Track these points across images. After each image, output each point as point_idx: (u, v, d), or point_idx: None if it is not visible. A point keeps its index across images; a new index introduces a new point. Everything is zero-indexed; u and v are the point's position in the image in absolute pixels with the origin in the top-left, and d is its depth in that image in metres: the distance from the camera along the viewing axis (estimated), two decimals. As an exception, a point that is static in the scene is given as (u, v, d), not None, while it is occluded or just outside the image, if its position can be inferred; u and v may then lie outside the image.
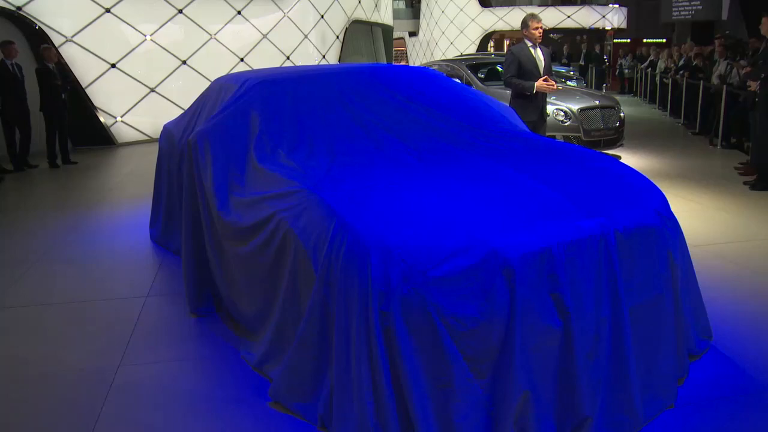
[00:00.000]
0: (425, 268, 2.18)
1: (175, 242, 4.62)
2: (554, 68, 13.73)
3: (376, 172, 2.92)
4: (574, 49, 22.94)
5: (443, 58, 21.35)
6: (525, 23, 5.71)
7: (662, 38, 24.46)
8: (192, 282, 3.55)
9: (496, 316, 2.17)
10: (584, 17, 24.42)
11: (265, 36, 13.33)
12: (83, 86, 10.75)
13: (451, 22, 25.58)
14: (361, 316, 2.20)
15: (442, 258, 2.20)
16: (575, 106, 8.12)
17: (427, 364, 2.19)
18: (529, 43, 5.69)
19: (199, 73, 12.19)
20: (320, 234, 2.43)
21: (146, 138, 11.60)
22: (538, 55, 5.71)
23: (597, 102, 8.31)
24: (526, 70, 5.64)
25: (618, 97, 12.31)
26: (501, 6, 25.25)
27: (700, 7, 18.37)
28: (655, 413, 2.49)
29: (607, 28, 24.69)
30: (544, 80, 5.54)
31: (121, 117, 11.36)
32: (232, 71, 9.49)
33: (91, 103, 10.90)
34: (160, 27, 11.76)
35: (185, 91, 11.71)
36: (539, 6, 26.00)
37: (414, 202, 2.52)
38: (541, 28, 5.65)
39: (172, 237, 4.73)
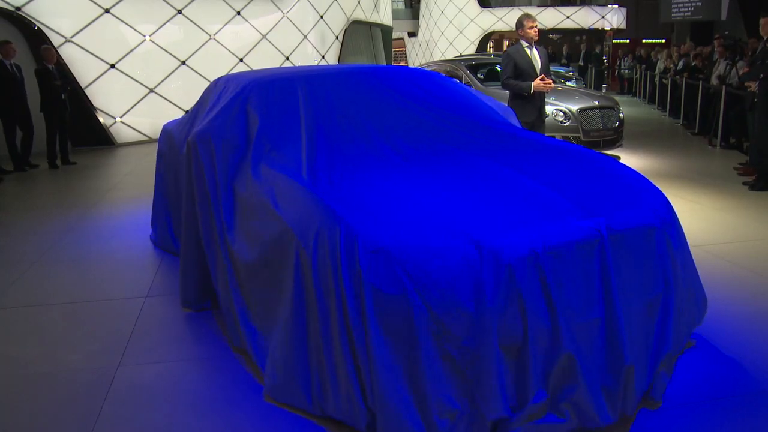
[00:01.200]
0: (416, 265, 2.20)
1: (177, 244, 4.63)
2: (553, 68, 13.76)
3: (373, 171, 2.93)
4: (573, 50, 22.96)
5: (442, 58, 21.36)
6: (520, 23, 5.67)
7: (661, 38, 24.48)
8: (191, 281, 3.55)
9: (487, 315, 2.19)
10: (583, 18, 24.43)
11: (264, 36, 13.33)
12: (82, 87, 10.75)
13: (451, 22, 25.59)
14: (339, 311, 2.26)
15: (433, 256, 2.21)
16: (574, 107, 8.12)
17: (405, 359, 2.22)
18: (525, 44, 5.67)
19: (198, 73, 12.19)
20: (311, 228, 2.45)
21: (145, 138, 11.60)
22: (535, 55, 5.69)
23: (596, 102, 8.32)
24: (522, 71, 5.63)
25: (617, 98, 12.32)
26: (500, 6, 25.27)
27: (700, 5, 18.37)
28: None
29: (606, 28, 24.71)
30: (540, 79, 5.54)
31: (121, 117, 11.36)
32: (232, 71, 9.49)
33: (91, 103, 10.90)
34: (160, 27, 11.76)
35: (184, 92, 11.73)
36: (538, 6, 26.02)
37: (410, 201, 2.53)
38: (536, 27, 5.62)
39: (172, 238, 4.73)
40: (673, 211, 2.82)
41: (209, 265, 3.40)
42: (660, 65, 15.60)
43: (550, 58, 5.94)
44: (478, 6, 25.07)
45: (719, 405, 2.57)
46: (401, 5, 30.19)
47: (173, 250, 4.68)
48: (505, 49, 25.88)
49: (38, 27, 10.18)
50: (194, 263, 3.51)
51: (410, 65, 25.66)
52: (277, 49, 13.57)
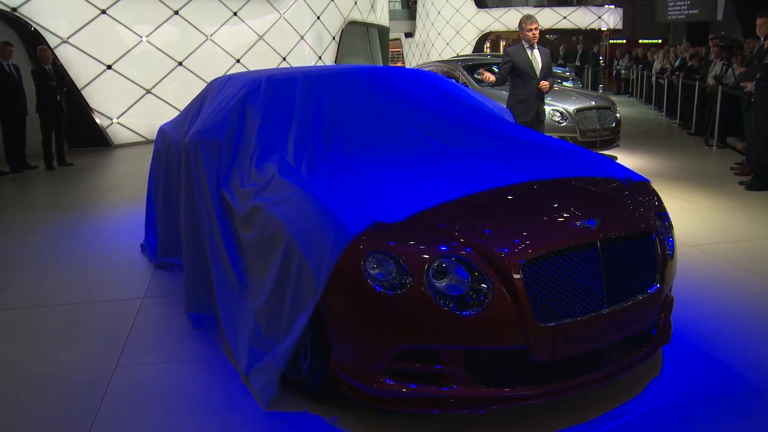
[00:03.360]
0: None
1: (150, 240, 4.71)
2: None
3: (370, 172, 2.93)
4: (570, 50, 23.01)
5: (439, 59, 21.37)
6: (520, 24, 5.80)
7: (658, 39, 24.54)
8: (191, 284, 3.54)
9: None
10: (580, 18, 24.50)
11: (261, 37, 13.32)
12: (79, 88, 10.73)
13: (447, 23, 25.61)
14: None
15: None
16: (571, 107, 8.13)
17: None
18: (526, 44, 5.72)
19: (194, 74, 12.17)
20: (307, 227, 2.44)
21: (142, 139, 11.58)
22: (535, 56, 5.74)
23: (593, 102, 8.33)
24: (521, 71, 5.69)
25: (614, 98, 12.34)
26: (497, 7, 25.33)
27: (696, 5, 18.41)
28: None
29: (602, 28, 24.77)
30: (538, 83, 5.64)
31: (117, 118, 11.35)
32: (228, 72, 9.49)
33: (87, 104, 10.88)
34: (156, 28, 11.75)
35: (181, 93, 11.70)
36: (535, 7, 26.07)
37: (407, 201, 2.53)
38: (536, 29, 5.68)
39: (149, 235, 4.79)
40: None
41: (211, 268, 3.38)
42: (656, 65, 15.64)
43: (551, 59, 6.03)
44: (475, 6, 25.11)
45: (715, 405, 2.58)
46: (398, 6, 30.22)
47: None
48: (502, 49, 25.98)
49: (34, 28, 10.16)
50: (195, 267, 3.48)
51: (407, 66, 25.67)
52: (274, 49, 13.56)
